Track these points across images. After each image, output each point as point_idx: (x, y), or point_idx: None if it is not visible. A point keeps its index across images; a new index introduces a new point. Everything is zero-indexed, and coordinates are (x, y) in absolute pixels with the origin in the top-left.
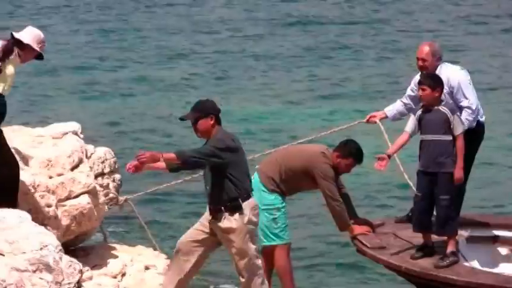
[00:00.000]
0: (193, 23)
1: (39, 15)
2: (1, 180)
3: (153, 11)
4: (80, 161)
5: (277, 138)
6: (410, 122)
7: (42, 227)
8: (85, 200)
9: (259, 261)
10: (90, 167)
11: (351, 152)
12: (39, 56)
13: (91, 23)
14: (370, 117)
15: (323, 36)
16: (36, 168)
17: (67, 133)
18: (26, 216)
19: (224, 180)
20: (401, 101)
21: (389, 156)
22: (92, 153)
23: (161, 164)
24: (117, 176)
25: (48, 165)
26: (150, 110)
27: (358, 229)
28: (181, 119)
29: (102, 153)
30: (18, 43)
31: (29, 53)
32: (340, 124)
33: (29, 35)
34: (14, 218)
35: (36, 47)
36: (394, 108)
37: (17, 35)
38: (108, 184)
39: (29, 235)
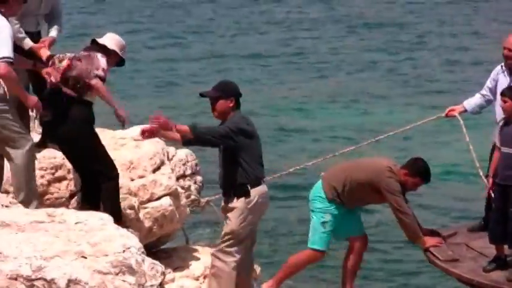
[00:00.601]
0: (272, 22)
1: (124, 14)
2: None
3: (231, 13)
4: (162, 163)
5: (358, 136)
6: (497, 133)
7: (125, 229)
8: (167, 202)
9: (238, 256)
10: (172, 169)
11: (419, 172)
12: (120, 62)
13: (170, 24)
14: (449, 111)
15: (401, 36)
16: (118, 170)
17: None
18: (108, 218)
19: (235, 165)
20: (480, 94)
21: (493, 176)
22: (173, 156)
23: (176, 135)
24: (199, 178)
25: (129, 167)
26: None
27: (430, 241)
28: (202, 95)
29: (184, 155)
30: (103, 49)
31: (113, 59)
32: (420, 120)
33: (112, 40)
34: (96, 221)
35: (120, 53)
36: (472, 101)
37: (101, 41)
38: (189, 186)
39: (111, 237)
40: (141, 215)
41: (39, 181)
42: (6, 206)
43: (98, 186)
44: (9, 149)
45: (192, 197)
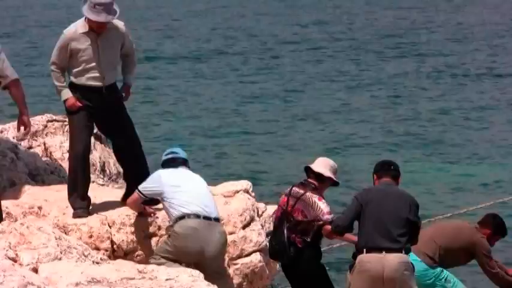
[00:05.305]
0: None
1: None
2: None
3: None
4: (252, 219)
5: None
6: None
7: (215, 286)
8: (257, 258)
9: None
10: (262, 225)
11: (501, 230)
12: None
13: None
14: None
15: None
16: None
17: (238, 191)
18: (198, 275)
19: None
20: None
21: None
22: (263, 211)
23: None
24: None
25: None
26: None
27: None
28: None
29: (273, 211)
30: (318, 177)
31: (327, 183)
32: None
33: (326, 167)
34: (187, 277)
35: (334, 177)
36: None
37: (317, 169)
38: None
39: None
40: (231, 271)
41: (129, 237)
42: (97, 263)
43: None
44: None
45: None
